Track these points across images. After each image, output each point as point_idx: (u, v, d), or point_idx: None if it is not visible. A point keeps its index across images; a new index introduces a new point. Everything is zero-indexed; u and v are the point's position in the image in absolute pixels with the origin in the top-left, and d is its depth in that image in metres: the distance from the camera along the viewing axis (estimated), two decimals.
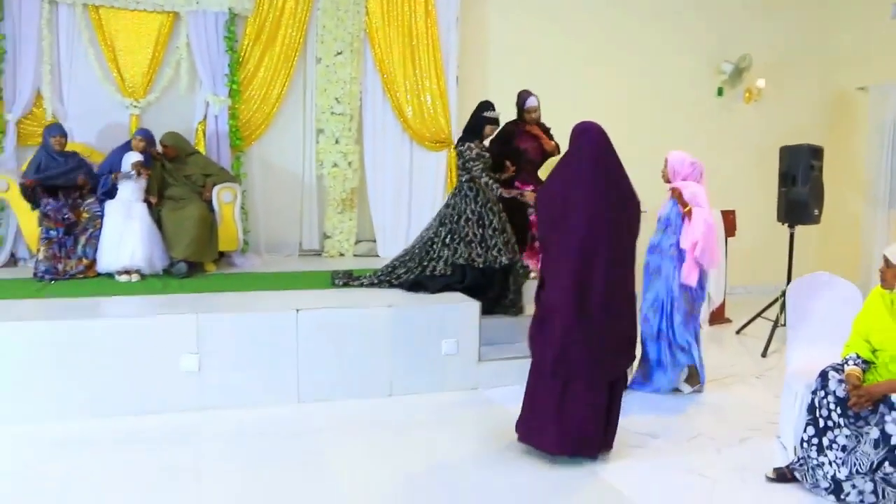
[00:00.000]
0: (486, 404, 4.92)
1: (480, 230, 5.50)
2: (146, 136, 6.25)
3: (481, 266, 5.47)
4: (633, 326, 4.02)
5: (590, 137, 3.87)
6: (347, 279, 5.80)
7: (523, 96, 6.46)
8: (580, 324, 3.73)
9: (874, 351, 3.52)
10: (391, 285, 5.65)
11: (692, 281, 4.96)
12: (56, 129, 6.04)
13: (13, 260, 6.46)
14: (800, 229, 6.84)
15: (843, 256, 8.52)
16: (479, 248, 5.48)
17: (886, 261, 3.44)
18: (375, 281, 5.72)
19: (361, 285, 5.72)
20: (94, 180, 6.06)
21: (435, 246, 5.59)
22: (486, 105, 5.66)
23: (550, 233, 3.91)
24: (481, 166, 5.48)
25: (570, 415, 3.81)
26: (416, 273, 5.57)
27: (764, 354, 6.29)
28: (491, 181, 5.47)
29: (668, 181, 5.24)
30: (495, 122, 5.65)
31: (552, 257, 3.88)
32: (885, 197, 8.53)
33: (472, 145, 5.52)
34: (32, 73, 6.44)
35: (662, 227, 5.17)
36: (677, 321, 5.07)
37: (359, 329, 4.97)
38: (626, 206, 3.89)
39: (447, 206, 5.68)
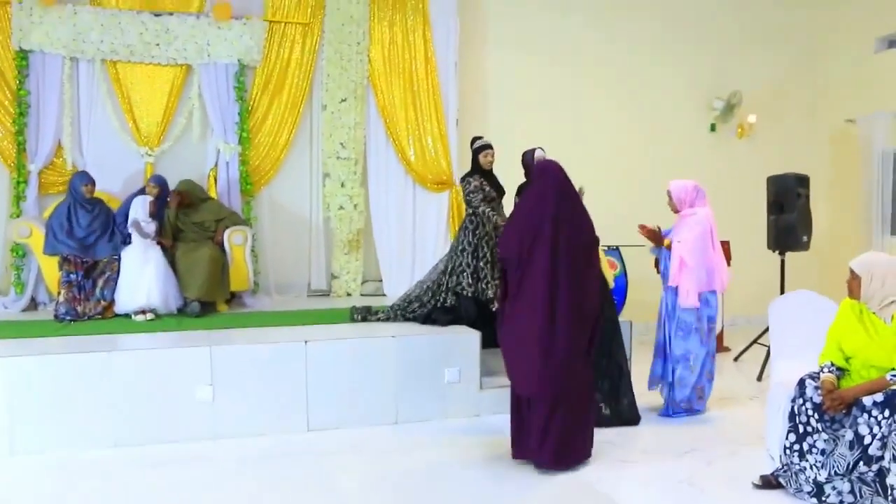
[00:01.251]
0: (489, 429, 5.05)
1: (474, 261, 5.71)
2: (159, 182, 6.55)
3: (470, 295, 5.67)
4: (593, 331, 4.34)
5: (553, 176, 4.30)
6: (366, 314, 5.98)
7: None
8: (550, 346, 4.07)
9: (847, 359, 3.71)
10: (406, 319, 5.85)
11: (690, 302, 5.13)
12: (87, 178, 6.38)
13: (34, 304, 6.70)
14: (798, 260, 6.96)
15: (842, 285, 8.65)
16: (469, 279, 5.69)
17: (852, 272, 3.66)
18: (392, 315, 5.91)
19: (378, 320, 5.91)
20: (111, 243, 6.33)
21: (443, 278, 5.81)
22: (473, 139, 5.98)
23: (517, 260, 4.22)
24: (480, 197, 5.70)
25: (559, 431, 4.12)
26: (429, 307, 5.78)
27: (759, 378, 6.45)
28: (489, 210, 5.69)
29: (676, 211, 5.39)
30: (485, 146, 5.86)
31: (518, 282, 4.21)
32: (881, 225, 8.71)
33: (471, 179, 5.78)
34: (54, 126, 6.78)
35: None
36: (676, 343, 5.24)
37: (364, 359, 5.17)
38: (582, 231, 4.30)
39: (455, 239, 5.96)
